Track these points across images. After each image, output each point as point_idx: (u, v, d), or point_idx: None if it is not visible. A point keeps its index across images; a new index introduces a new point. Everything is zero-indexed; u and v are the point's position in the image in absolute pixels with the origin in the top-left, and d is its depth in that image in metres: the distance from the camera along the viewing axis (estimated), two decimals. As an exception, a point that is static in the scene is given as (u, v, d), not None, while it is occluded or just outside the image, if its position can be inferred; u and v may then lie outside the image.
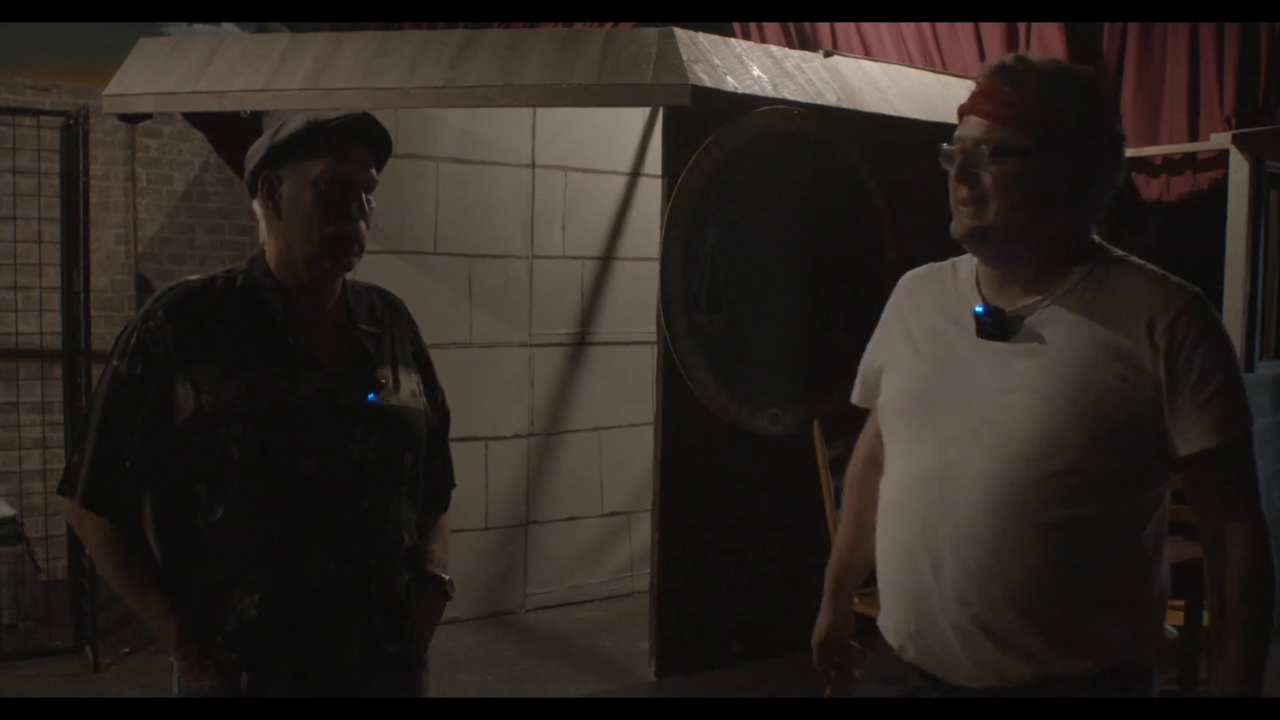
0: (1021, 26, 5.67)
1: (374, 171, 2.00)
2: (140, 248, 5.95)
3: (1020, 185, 1.71)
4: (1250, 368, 5.02)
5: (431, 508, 2.17)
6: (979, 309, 1.79)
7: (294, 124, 1.96)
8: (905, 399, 1.88)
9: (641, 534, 5.52)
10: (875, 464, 2.02)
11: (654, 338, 4.66)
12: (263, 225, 2.01)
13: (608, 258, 5.65)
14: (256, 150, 1.99)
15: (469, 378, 5.14)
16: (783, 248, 4.74)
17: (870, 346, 2.06)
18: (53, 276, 4.88)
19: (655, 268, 4.50)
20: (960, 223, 1.77)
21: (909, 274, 2.03)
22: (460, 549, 5.12)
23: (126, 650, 4.62)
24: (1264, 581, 1.73)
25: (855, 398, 2.09)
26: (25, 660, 4.51)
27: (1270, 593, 1.73)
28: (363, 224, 1.97)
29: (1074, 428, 1.69)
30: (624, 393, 5.66)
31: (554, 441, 5.54)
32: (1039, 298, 1.77)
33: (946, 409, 1.79)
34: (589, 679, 4.62)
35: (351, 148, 1.96)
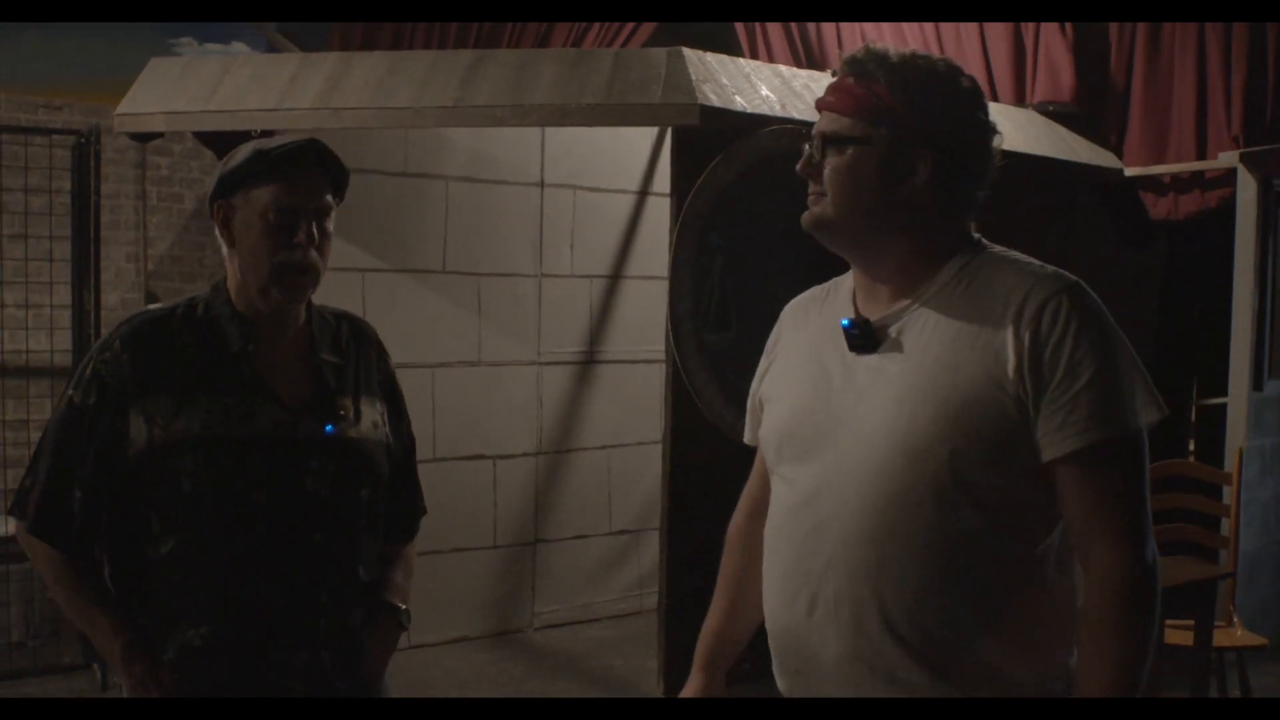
0: (1029, 47, 5.68)
1: (329, 198, 1.94)
2: (151, 265, 5.97)
3: (856, 176, 1.62)
4: (1258, 386, 5.02)
5: (395, 537, 2.12)
6: (845, 322, 1.69)
7: (241, 153, 1.93)
8: (783, 427, 1.75)
9: (650, 552, 5.52)
10: (759, 516, 1.84)
11: (663, 356, 4.66)
12: (225, 253, 1.98)
13: (616, 276, 5.67)
14: (212, 179, 1.97)
15: (477, 396, 5.14)
16: (792, 267, 4.74)
17: (754, 381, 1.94)
18: (63, 294, 4.90)
19: (664, 286, 4.51)
20: (805, 214, 1.71)
21: (792, 301, 1.92)
22: (468, 567, 5.14)
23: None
24: (1131, 638, 1.51)
25: (745, 437, 1.97)
26: (34, 677, 4.51)
27: (1138, 653, 1.51)
28: (314, 253, 1.91)
29: (942, 437, 1.54)
30: (632, 411, 5.66)
31: (562, 460, 5.55)
32: (908, 302, 1.64)
33: (822, 431, 1.66)
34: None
35: (300, 175, 1.90)
